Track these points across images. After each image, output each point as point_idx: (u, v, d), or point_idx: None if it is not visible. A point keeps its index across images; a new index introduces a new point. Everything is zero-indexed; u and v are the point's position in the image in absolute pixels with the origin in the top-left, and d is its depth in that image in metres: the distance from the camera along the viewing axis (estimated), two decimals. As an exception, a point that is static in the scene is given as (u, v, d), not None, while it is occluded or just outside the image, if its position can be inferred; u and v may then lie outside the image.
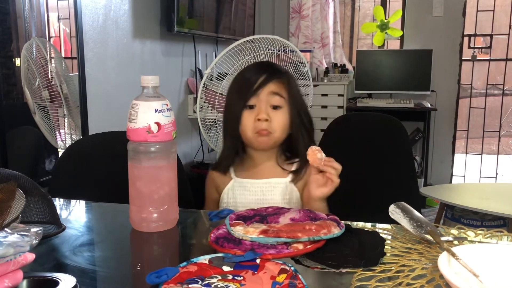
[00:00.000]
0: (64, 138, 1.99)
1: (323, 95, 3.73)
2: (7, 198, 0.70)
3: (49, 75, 1.88)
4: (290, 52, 1.70)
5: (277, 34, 1.90)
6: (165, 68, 2.85)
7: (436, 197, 2.58)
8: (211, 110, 1.71)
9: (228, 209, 0.99)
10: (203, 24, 3.02)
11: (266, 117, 1.08)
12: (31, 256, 0.66)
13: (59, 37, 2.03)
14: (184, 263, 0.73)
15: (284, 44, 1.70)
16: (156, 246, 0.92)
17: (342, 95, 3.74)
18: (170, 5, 2.60)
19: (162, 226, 0.94)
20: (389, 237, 0.88)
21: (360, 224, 0.95)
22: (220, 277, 0.69)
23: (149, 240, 0.92)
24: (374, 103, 3.78)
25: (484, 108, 4.14)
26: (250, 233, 0.81)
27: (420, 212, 0.93)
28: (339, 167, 0.99)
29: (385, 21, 3.84)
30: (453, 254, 0.70)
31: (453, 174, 4.16)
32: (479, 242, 0.83)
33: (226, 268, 0.72)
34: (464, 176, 4.21)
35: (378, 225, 0.94)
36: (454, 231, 0.90)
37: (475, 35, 4.05)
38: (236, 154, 1.16)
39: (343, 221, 0.87)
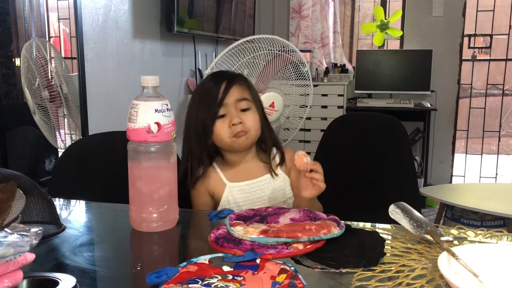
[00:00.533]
0: (64, 138, 1.99)
1: (323, 95, 3.73)
2: (7, 198, 0.71)
3: (49, 75, 1.89)
4: (290, 52, 1.70)
5: (277, 34, 1.90)
6: (165, 68, 2.85)
7: (436, 197, 2.58)
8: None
9: (228, 209, 0.99)
10: (203, 24, 3.02)
11: (240, 121, 1.15)
12: (31, 256, 0.66)
13: (59, 37, 2.03)
14: (184, 263, 0.73)
15: (284, 44, 1.70)
16: (156, 246, 0.92)
17: (342, 95, 3.74)
18: (170, 5, 2.60)
19: (162, 226, 0.94)
20: (389, 237, 0.88)
21: (360, 224, 0.95)
22: (220, 277, 0.69)
23: (149, 240, 0.92)
24: (374, 103, 3.78)
25: (484, 108, 4.14)
26: (250, 233, 0.81)
27: (420, 212, 0.93)
28: (321, 170, 1.07)
29: (385, 21, 3.84)
30: (453, 254, 0.70)
31: (453, 174, 4.16)
32: (479, 242, 0.83)
33: (226, 268, 0.72)
34: (464, 176, 4.21)
35: (378, 225, 0.94)
36: (454, 231, 0.90)
37: (475, 35, 4.05)
38: (201, 163, 1.20)
39: (343, 221, 0.87)
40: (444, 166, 4.11)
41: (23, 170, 0.89)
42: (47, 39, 1.93)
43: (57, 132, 1.94)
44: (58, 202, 1.13)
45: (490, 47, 4.20)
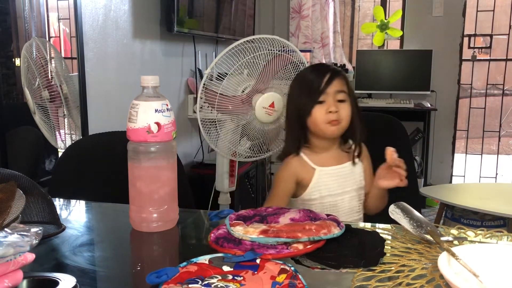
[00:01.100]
0: (64, 138, 1.99)
1: (323, 95, 3.73)
2: (7, 198, 0.71)
3: (49, 75, 1.88)
4: (290, 52, 1.69)
5: (277, 34, 1.89)
6: (165, 68, 2.85)
7: (436, 197, 2.58)
8: (211, 110, 1.70)
9: (228, 209, 0.99)
10: (203, 24, 3.02)
11: (336, 109, 1.28)
12: (31, 256, 0.66)
13: (59, 37, 2.03)
14: (184, 263, 0.73)
15: (284, 44, 1.69)
16: (156, 246, 0.92)
17: (342, 95, 3.73)
18: (170, 5, 2.60)
19: (162, 226, 0.94)
20: (389, 237, 0.88)
21: (360, 224, 0.96)
22: (220, 277, 0.69)
23: (149, 240, 0.92)
24: (374, 103, 3.77)
25: (484, 108, 4.14)
26: (250, 233, 0.81)
27: (420, 212, 0.93)
28: (405, 168, 1.21)
29: (385, 21, 3.84)
30: (453, 254, 0.70)
31: (453, 174, 4.16)
32: (479, 242, 0.83)
33: (226, 268, 0.72)
34: (464, 176, 4.21)
35: (378, 225, 0.94)
36: (454, 231, 0.90)
37: (475, 35, 4.05)
38: (299, 142, 1.34)
39: (343, 221, 0.87)
40: (444, 166, 4.11)
41: (23, 170, 0.89)
42: (47, 39, 1.93)
43: (57, 132, 1.93)
44: (58, 202, 1.13)
45: (490, 47, 4.20)
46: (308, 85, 1.31)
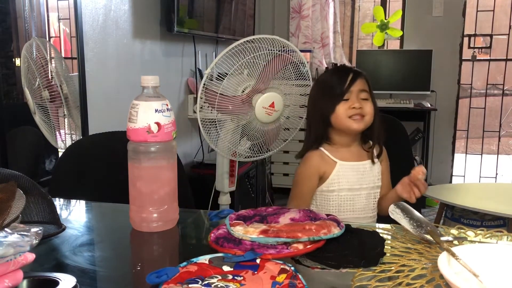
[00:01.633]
0: (64, 138, 1.99)
1: (323, 95, 3.73)
2: (7, 198, 0.70)
3: (49, 75, 1.88)
4: (290, 52, 1.69)
5: (277, 34, 1.89)
6: (165, 68, 2.85)
7: (436, 197, 2.58)
8: (211, 110, 1.70)
9: (228, 209, 0.99)
10: (203, 24, 3.01)
11: (360, 105, 1.34)
12: (31, 256, 0.66)
13: (59, 37, 2.03)
14: (184, 263, 0.73)
15: (284, 44, 1.69)
16: (156, 246, 0.92)
17: (342, 95, 3.73)
18: (170, 5, 2.60)
19: (162, 226, 0.94)
20: (389, 237, 0.88)
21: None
22: (220, 277, 0.69)
23: (149, 240, 0.92)
24: (374, 103, 3.77)
25: (484, 108, 4.14)
26: (250, 233, 0.81)
27: (420, 212, 0.93)
28: (424, 191, 1.29)
29: (385, 21, 3.84)
30: (453, 254, 0.70)
31: (453, 174, 4.16)
32: (479, 242, 0.83)
33: (226, 268, 0.72)
34: (464, 176, 4.21)
35: (378, 225, 0.94)
36: (454, 231, 0.90)
37: (475, 35, 4.05)
38: (321, 139, 1.39)
39: (343, 221, 0.87)
40: (444, 166, 4.11)
41: (23, 170, 0.89)
42: (47, 39, 1.93)
43: (57, 132, 1.93)
44: (58, 202, 1.13)
45: (490, 47, 4.20)
46: (332, 84, 1.37)
